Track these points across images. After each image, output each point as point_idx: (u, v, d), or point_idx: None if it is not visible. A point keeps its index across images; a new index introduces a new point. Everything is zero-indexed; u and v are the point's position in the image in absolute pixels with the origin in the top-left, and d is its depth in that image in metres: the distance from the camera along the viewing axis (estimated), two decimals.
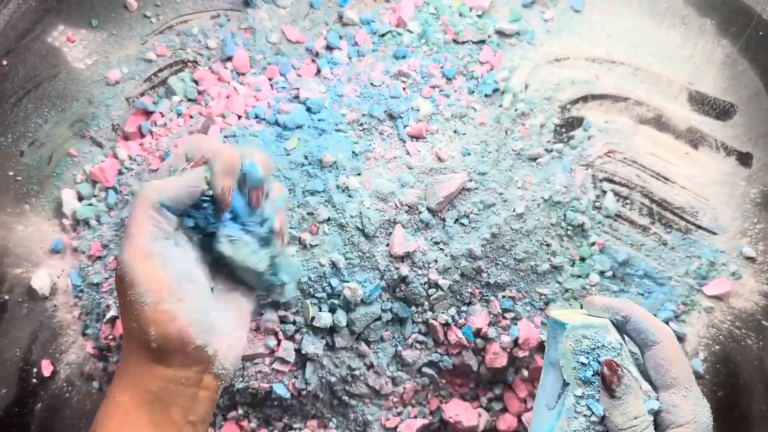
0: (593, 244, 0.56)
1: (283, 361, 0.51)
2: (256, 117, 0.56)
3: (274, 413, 0.54)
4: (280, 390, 0.51)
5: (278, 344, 0.51)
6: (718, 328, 0.56)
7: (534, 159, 0.57)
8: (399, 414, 0.54)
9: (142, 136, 0.60)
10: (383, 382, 0.53)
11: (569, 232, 0.56)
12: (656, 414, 0.40)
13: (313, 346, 0.51)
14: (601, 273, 0.56)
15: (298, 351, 0.52)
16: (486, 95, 0.58)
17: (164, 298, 0.39)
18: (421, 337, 0.53)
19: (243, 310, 0.45)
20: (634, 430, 0.38)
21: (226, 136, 0.55)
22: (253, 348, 0.51)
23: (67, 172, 0.60)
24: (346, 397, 0.53)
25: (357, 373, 0.52)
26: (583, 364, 0.40)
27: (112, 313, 0.54)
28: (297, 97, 0.57)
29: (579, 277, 0.55)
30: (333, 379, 0.52)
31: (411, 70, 0.58)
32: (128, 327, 0.40)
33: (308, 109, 0.55)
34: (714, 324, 0.56)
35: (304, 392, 0.52)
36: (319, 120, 0.54)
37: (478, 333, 0.53)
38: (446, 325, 0.53)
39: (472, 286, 0.53)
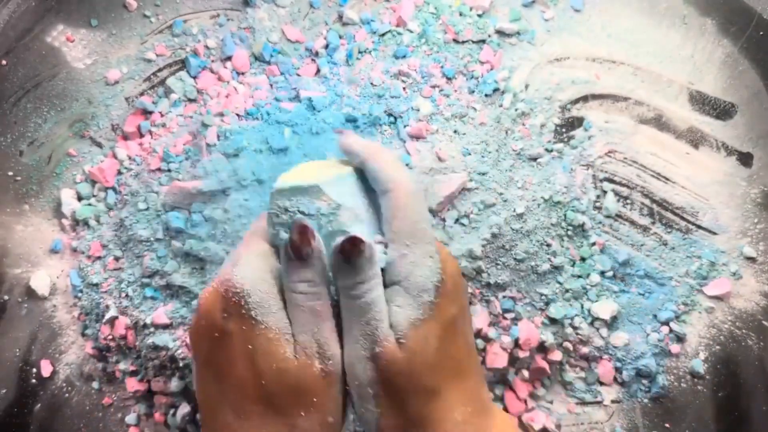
0: (593, 244, 0.56)
1: None
2: (256, 115, 0.56)
3: None
4: None
5: None
6: (719, 329, 0.56)
7: (534, 159, 0.57)
8: None
9: (142, 135, 0.60)
10: None
11: (569, 232, 0.56)
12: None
13: None
14: (602, 273, 0.56)
15: None
16: (486, 95, 0.58)
17: None
18: None
19: None
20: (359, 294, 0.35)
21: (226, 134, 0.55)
22: None
23: (66, 172, 0.60)
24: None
25: None
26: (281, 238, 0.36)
27: (111, 313, 0.54)
28: (297, 96, 0.57)
29: (579, 277, 0.55)
30: None
31: (411, 69, 0.58)
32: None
33: (308, 109, 0.55)
34: (714, 324, 0.56)
35: None
36: (319, 119, 0.54)
37: (478, 333, 0.53)
38: None
39: (473, 286, 0.53)
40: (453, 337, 0.37)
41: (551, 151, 0.57)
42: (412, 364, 0.35)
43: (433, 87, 0.57)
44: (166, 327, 0.52)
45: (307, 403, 0.36)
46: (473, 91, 0.58)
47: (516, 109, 0.57)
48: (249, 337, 0.35)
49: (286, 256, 0.36)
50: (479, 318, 0.52)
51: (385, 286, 0.37)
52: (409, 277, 0.36)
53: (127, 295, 0.54)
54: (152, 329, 0.53)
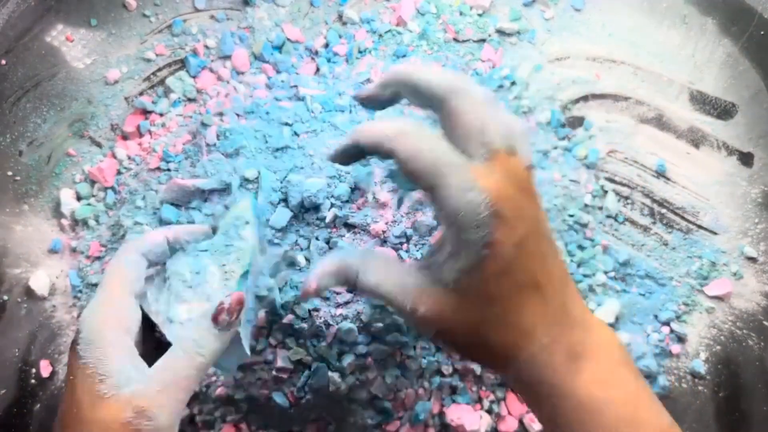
0: (596, 244, 0.56)
1: (282, 369, 0.50)
2: (256, 115, 0.56)
3: (273, 418, 0.53)
4: (279, 399, 0.51)
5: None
6: (720, 329, 0.56)
7: None
8: (400, 418, 0.54)
9: (141, 135, 0.59)
10: (384, 388, 0.52)
11: (571, 232, 0.56)
12: None
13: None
14: (604, 273, 0.56)
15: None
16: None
17: None
18: (422, 341, 0.53)
19: None
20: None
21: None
22: (251, 357, 0.50)
23: (66, 172, 0.59)
24: (345, 402, 0.53)
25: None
26: None
27: None
28: (296, 95, 0.57)
29: (586, 276, 0.55)
30: (332, 386, 0.51)
31: None
32: None
33: (307, 108, 0.55)
34: (715, 324, 0.56)
35: (303, 400, 0.51)
36: (318, 119, 0.54)
37: None
38: None
39: None
40: (521, 264, 0.34)
41: (552, 150, 0.57)
42: (468, 314, 0.34)
43: None
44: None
45: None
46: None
47: (517, 109, 0.57)
48: (73, 368, 0.38)
49: (203, 313, 0.39)
50: None
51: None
52: (449, 218, 0.33)
53: None
54: None
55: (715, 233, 0.57)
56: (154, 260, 0.43)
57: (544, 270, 0.35)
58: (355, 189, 0.51)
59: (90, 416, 0.36)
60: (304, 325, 0.49)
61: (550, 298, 0.35)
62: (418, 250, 0.50)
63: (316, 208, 0.51)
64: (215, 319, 0.38)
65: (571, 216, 0.55)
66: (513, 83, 0.57)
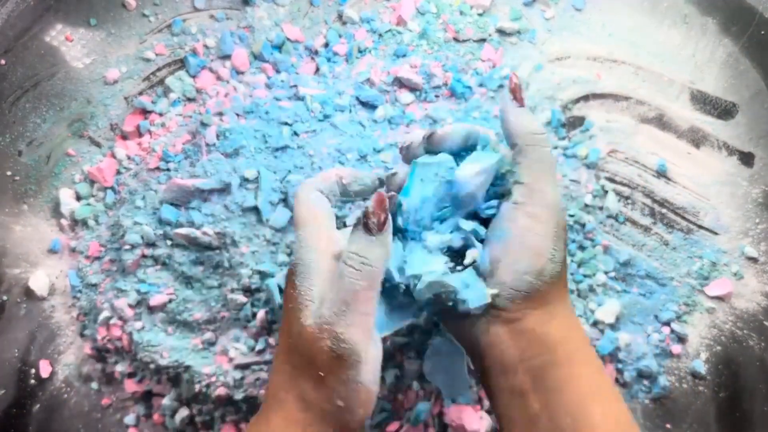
0: (596, 244, 0.56)
1: None
2: (256, 114, 0.56)
3: None
4: None
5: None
6: (720, 329, 0.56)
7: None
8: (400, 419, 0.54)
9: (141, 135, 0.59)
10: (384, 388, 0.52)
11: (571, 233, 0.56)
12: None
13: None
14: (604, 273, 0.56)
15: None
16: (493, 90, 0.57)
17: (377, 378, 0.38)
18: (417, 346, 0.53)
19: None
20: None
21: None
22: (248, 356, 0.50)
23: (65, 172, 0.59)
24: None
25: None
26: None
27: (105, 314, 0.54)
28: (296, 95, 0.57)
29: (586, 276, 0.55)
30: None
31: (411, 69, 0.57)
32: (329, 407, 0.37)
33: (307, 107, 0.55)
34: (716, 325, 0.56)
35: None
36: (318, 118, 0.54)
37: None
38: None
39: None
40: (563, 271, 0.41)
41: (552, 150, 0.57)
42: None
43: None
44: (162, 308, 0.52)
45: (314, 375, 0.37)
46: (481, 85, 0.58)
47: None
48: (288, 296, 0.39)
49: (355, 222, 0.37)
50: None
51: None
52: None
53: (120, 291, 0.54)
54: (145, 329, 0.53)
55: (716, 233, 0.57)
56: (328, 196, 0.42)
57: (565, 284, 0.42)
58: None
59: (297, 344, 0.37)
60: None
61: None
62: None
63: None
64: (366, 225, 0.37)
65: (572, 216, 0.55)
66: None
